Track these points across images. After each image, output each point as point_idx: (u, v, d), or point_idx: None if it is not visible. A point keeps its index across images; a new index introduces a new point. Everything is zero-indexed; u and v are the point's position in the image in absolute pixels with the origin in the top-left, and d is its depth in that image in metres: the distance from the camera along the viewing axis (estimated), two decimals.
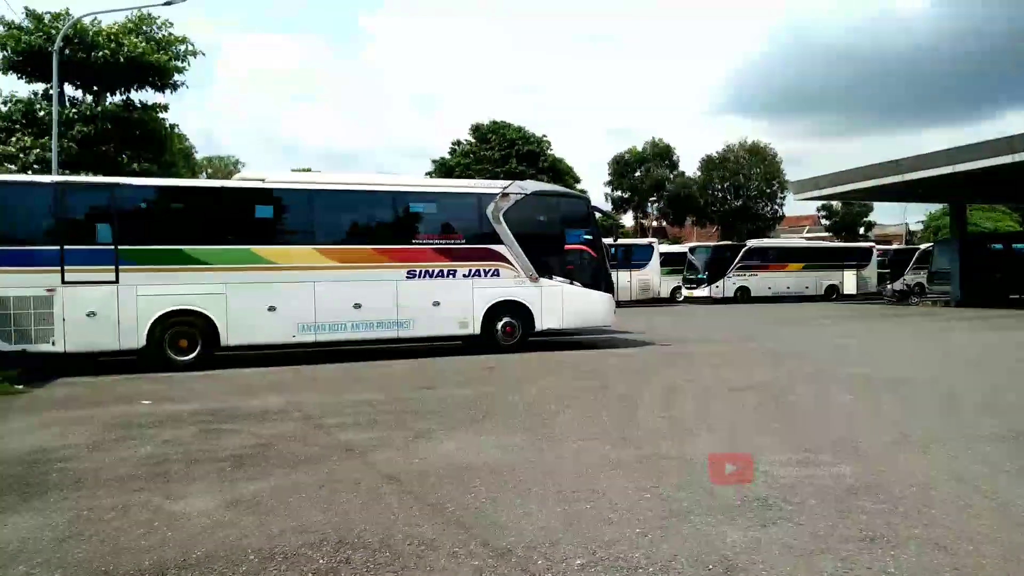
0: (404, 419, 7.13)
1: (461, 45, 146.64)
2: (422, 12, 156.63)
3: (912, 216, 64.90)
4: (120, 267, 10.88)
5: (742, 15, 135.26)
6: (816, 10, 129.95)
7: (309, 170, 39.77)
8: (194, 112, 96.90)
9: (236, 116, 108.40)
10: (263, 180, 12.23)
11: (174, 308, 11.18)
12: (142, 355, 11.16)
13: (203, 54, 21.97)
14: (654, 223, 60.79)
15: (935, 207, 51.82)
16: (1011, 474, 4.94)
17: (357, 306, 12.21)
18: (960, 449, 5.66)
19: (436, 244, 12.87)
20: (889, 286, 36.81)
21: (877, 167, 26.29)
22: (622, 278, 27.53)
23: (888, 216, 67.21)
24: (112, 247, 10.92)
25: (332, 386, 9.63)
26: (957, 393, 8.43)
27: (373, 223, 13.06)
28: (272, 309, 11.66)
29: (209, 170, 55.89)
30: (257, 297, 11.60)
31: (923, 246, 40.72)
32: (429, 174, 42.15)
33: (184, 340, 11.30)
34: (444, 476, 5.03)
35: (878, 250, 40.12)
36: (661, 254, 33.15)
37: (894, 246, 47.77)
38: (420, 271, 12.68)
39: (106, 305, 10.78)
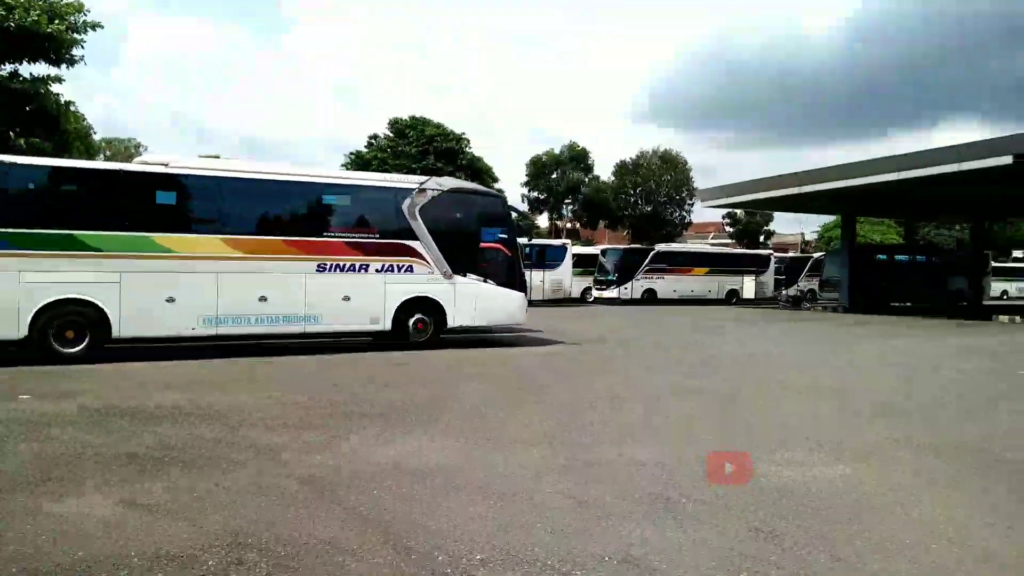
0: (316, 418, 6.93)
1: (384, 39, 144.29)
2: (346, 3, 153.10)
3: (808, 227, 68.87)
4: (0, 251, 10.09)
5: (662, 28, 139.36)
6: (731, 27, 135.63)
7: (218, 157, 38.13)
8: (98, 93, 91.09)
9: (143, 99, 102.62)
10: (166, 165, 11.61)
11: (61, 297, 10.46)
12: (23, 346, 10.39)
13: (102, 26, 20.52)
14: (568, 225, 61.77)
15: (829, 219, 55.05)
16: (906, 472, 5.30)
17: (263, 299, 11.80)
18: (870, 459, 6.01)
19: (348, 238, 12.61)
20: (784, 292, 38.93)
21: (778, 179, 27.72)
22: (535, 278, 27.85)
23: (787, 226, 70.96)
24: None
25: (234, 382, 9.26)
26: (863, 400, 8.96)
27: (283, 214, 12.64)
28: (171, 300, 11.11)
29: (108, 152, 52.68)
30: (155, 287, 11.02)
31: (816, 255, 43.26)
32: (345, 167, 41.24)
33: (72, 331, 10.59)
34: (363, 479, 4.90)
35: (776, 258, 42.28)
36: (574, 255, 33.73)
37: (790, 254, 50.43)
38: (331, 265, 12.38)
39: None
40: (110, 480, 4.76)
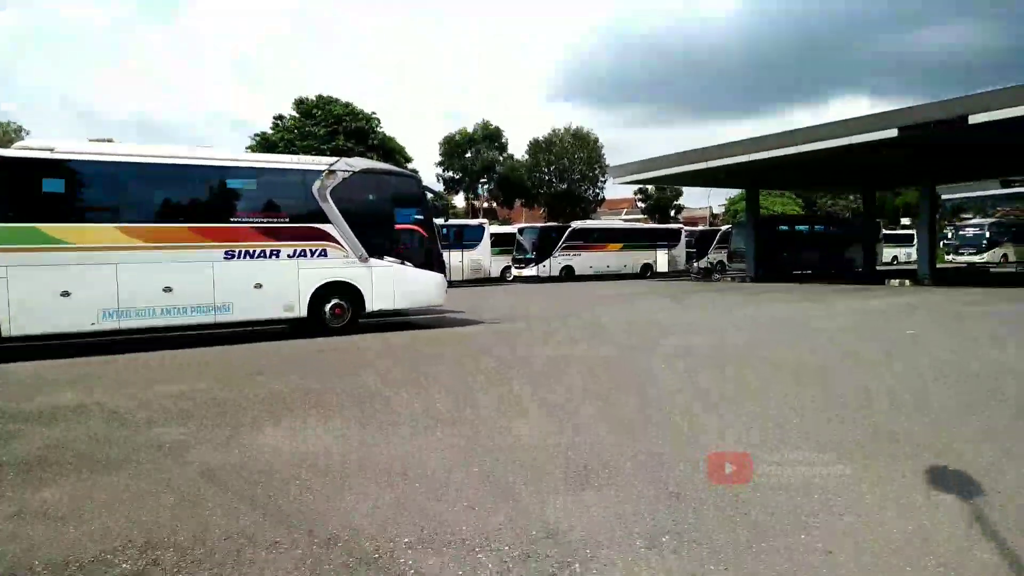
0: (224, 411, 6.70)
1: (286, 14, 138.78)
2: None
3: (715, 200, 71.40)
4: None
5: (572, 5, 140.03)
6: (635, 6, 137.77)
7: (111, 140, 35.91)
8: None
9: (21, 78, 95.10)
10: (52, 150, 10.84)
11: None
12: None
13: None
14: (485, 204, 61.77)
15: (735, 192, 57.26)
16: (795, 429, 5.61)
17: (168, 289, 11.28)
18: (756, 409, 6.32)
19: (257, 223, 12.17)
20: (695, 264, 40.35)
21: (685, 155, 28.55)
22: (454, 258, 27.81)
23: (696, 200, 73.47)
24: None
25: (140, 377, 8.82)
26: (773, 361, 9.40)
27: (186, 200, 12.07)
28: (66, 295, 10.46)
29: None
30: (47, 281, 10.34)
31: (724, 228, 44.95)
32: (250, 149, 39.67)
33: None
34: (268, 469, 4.81)
35: (686, 231, 43.69)
36: (491, 235, 33.81)
37: (700, 228, 52.21)
38: (240, 251, 11.94)
39: None
40: (3, 488, 4.47)
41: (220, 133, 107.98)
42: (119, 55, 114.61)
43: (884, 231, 48.19)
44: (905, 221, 63.70)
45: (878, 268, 37.94)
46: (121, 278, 10.87)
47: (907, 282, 26.91)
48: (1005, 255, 42.38)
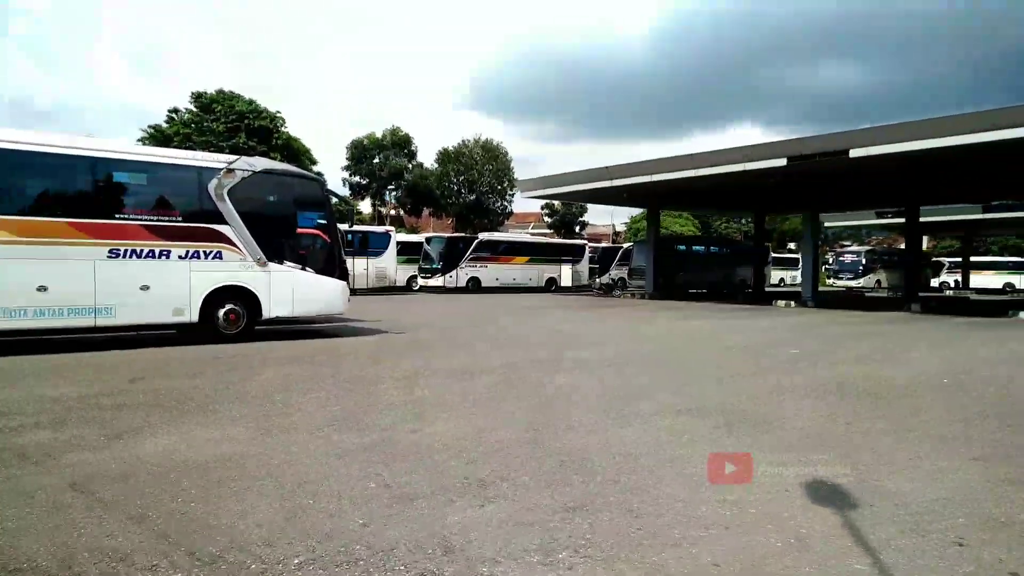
0: (101, 416, 6.24)
1: (186, 5, 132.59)
2: None
3: (619, 218, 73.62)
4: None
5: (486, 18, 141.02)
6: (548, 24, 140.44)
7: None
8: None
9: None
10: None
11: None
12: None
13: None
14: (392, 212, 61.03)
15: (637, 211, 59.18)
16: (694, 441, 5.79)
17: (42, 289, 10.44)
18: (651, 422, 6.48)
19: (146, 220, 11.47)
20: (598, 280, 41.41)
21: (591, 172, 29.23)
22: (358, 265, 27.30)
23: (600, 217, 75.63)
24: None
25: (7, 382, 8.09)
26: (652, 374, 9.69)
27: (66, 192, 11.23)
28: None
29: None
30: None
31: (625, 245, 46.33)
32: (142, 142, 37.52)
33: None
34: (147, 479, 4.50)
35: (590, 248, 44.78)
36: (398, 243, 33.47)
37: (603, 244, 53.65)
38: (125, 250, 11.21)
39: None
40: None
41: (108, 123, 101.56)
42: None
43: (773, 254, 51.15)
44: (791, 246, 67.88)
45: (767, 289, 40.15)
46: None
47: (792, 303, 28.59)
48: (879, 281, 45.82)
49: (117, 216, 11.23)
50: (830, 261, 52.72)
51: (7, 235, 10.22)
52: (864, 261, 46.87)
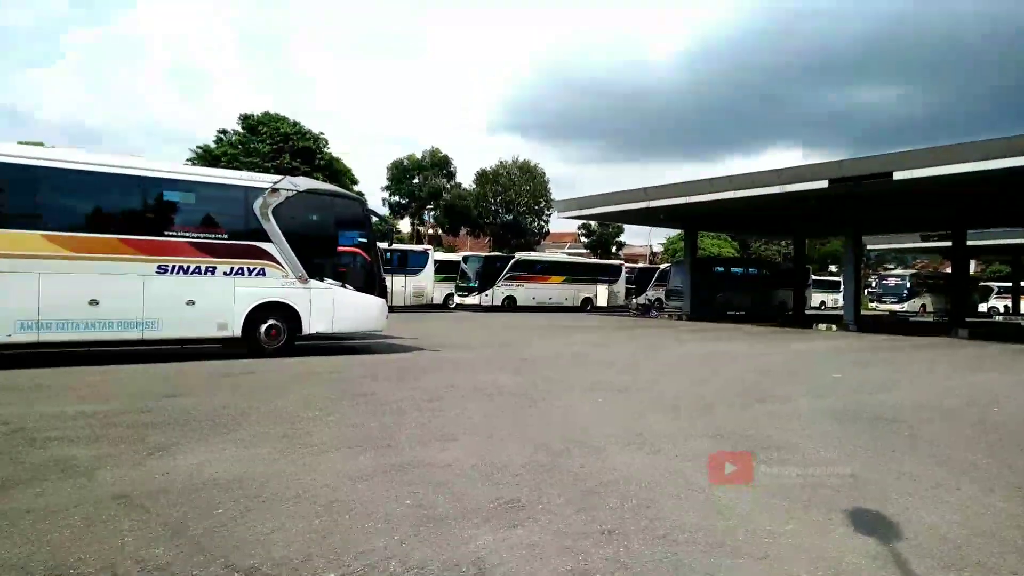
0: (142, 431, 6.43)
1: (237, 28, 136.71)
2: None
3: (655, 239, 73.17)
4: None
5: (518, 43, 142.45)
6: (582, 46, 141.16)
7: (42, 144, 34.48)
8: None
9: None
10: None
11: None
12: None
13: None
14: (430, 231, 61.66)
15: (674, 232, 58.78)
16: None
17: (94, 303, 10.82)
18: (678, 448, 6.43)
19: (193, 238, 11.83)
20: (634, 300, 41.16)
21: (628, 193, 29.22)
22: (397, 283, 27.62)
23: (636, 237, 75.22)
24: None
25: (55, 394, 8.39)
26: (680, 397, 9.59)
27: (118, 210, 11.66)
28: None
29: None
30: None
31: (663, 266, 46.04)
32: (191, 162, 38.69)
33: None
34: (185, 493, 4.63)
35: (627, 268, 44.57)
36: (436, 261, 33.76)
37: (640, 265, 53.34)
38: (173, 266, 11.57)
39: None
40: None
41: (156, 144, 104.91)
42: (53, 54, 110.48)
43: (813, 277, 50.25)
44: (833, 268, 66.57)
45: (807, 312, 39.40)
46: (43, 288, 10.38)
47: (833, 327, 28.00)
48: (923, 305, 44.64)
49: (166, 233, 11.61)
50: (873, 284, 51.57)
51: (62, 250, 10.64)
52: (909, 285, 45.76)
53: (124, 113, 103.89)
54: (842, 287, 38.34)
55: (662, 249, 70.85)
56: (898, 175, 19.62)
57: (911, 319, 39.06)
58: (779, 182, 22.98)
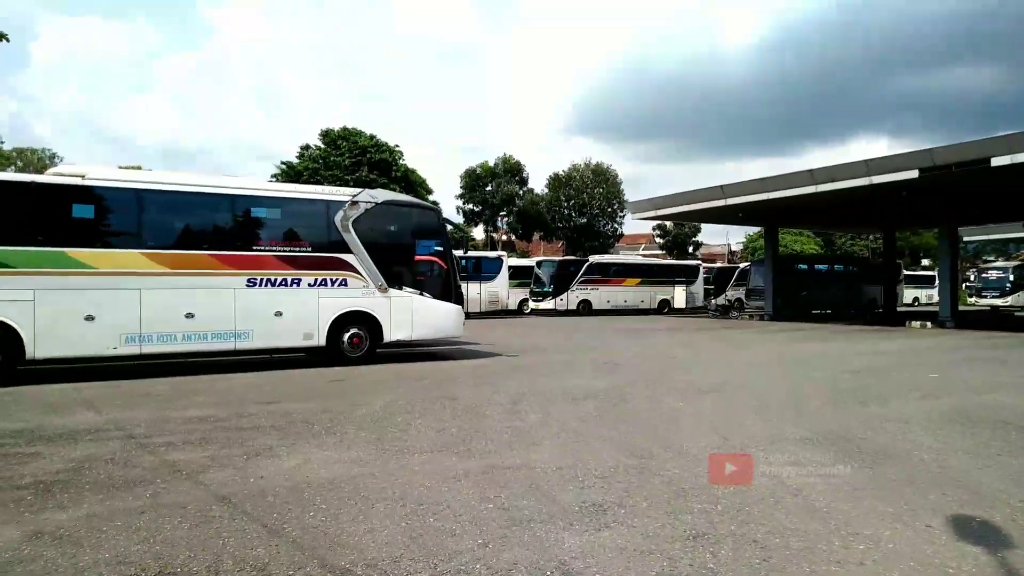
0: (241, 436, 6.74)
1: (313, 48, 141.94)
2: (271, 10, 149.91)
3: (734, 237, 71.28)
4: None
5: (587, 43, 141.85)
6: (650, 42, 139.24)
7: (140, 167, 36.74)
8: (2, 98, 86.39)
9: (54, 106, 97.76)
10: (83, 176, 11.10)
11: None
12: None
13: (7, 39, 19.47)
14: (503, 237, 62.07)
15: (753, 229, 57.15)
16: (814, 472, 5.52)
17: (190, 315, 11.41)
18: (772, 452, 6.24)
19: (279, 251, 12.33)
20: (714, 301, 40.15)
21: (703, 192, 28.62)
22: (472, 290, 27.90)
23: (714, 236, 73.49)
24: None
25: (159, 402, 8.91)
26: (768, 399, 9.30)
27: (210, 227, 12.27)
28: (90, 318, 10.60)
29: (19, 163, 50.06)
30: (72, 305, 10.50)
31: (742, 265, 44.77)
32: (275, 178, 40.35)
33: None
34: (282, 495, 4.82)
35: (704, 268, 43.57)
36: (510, 267, 33.93)
37: (718, 264, 52.07)
38: (261, 279, 12.08)
39: None
40: (19, 510, 4.50)
41: (243, 161, 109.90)
42: (148, 82, 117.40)
43: (905, 272, 47.76)
44: (926, 262, 63.14)
45: (899, 309, 37.53)
46: (145, 303, 11.03)
47: (928, 324, 26.56)
48: None
49: (254, 248, 12.14)
50: (972, 278, 48.58)
51: (161, 267, 11.28)
52: (1012, 278, 42.83)
53: (213, 133, 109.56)
54: (937, 282, 36.33)
55: (741, 248, 68.99)
56: (996, 161, 18.49)
57: (1016, 314, 36.60)
58: (865, 174, 22.01)
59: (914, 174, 20.52)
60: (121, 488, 4.99)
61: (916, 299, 50.41)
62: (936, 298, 35.96)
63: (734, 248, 72.67)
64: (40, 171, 28.21)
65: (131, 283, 10.99)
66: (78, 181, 10.98)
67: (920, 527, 4.24)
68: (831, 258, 50.48)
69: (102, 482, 5.14)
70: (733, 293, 40.60)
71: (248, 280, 11.94)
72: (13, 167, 45.83)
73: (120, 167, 18.69)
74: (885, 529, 4.19)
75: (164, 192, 11.78)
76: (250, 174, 58.23)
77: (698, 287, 40.88)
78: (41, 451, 6.12)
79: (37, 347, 10.28)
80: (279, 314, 12.15)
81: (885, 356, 15.08)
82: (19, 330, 10.13)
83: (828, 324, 27.08)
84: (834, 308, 34.32)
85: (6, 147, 37.59)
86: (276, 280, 12.20)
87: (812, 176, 23.90)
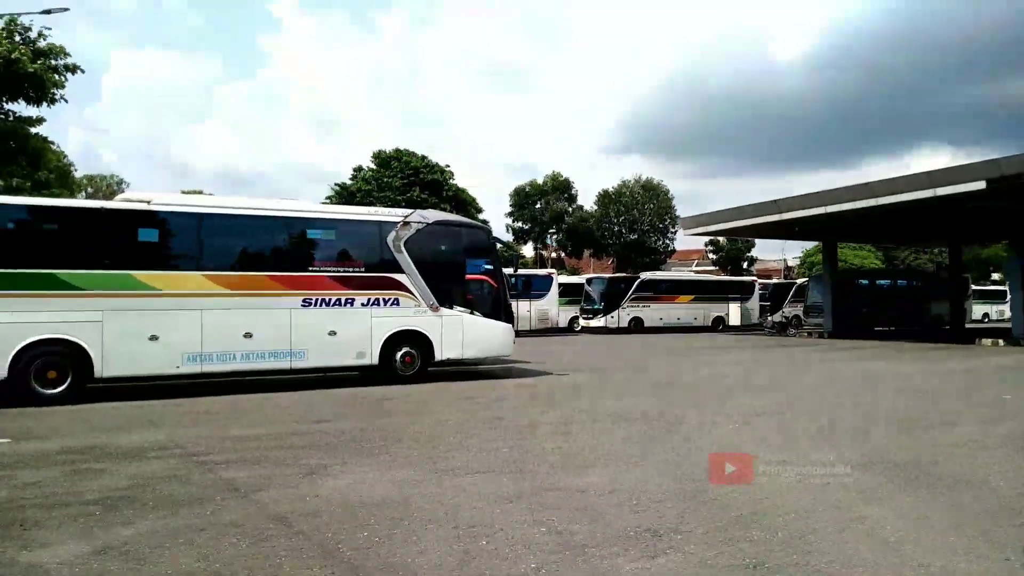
0: (296, 455, 6.85)
1: (364, 71, 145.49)
2: (324, 36, 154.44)
3: (790, 252, 69.59)
4: None
5: (635, 60, 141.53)
6: (703, 58, 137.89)
7: (201, 192, 38.14)
8: (75, 128, 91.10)
9: (122, 135, 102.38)
10: (148, 202, 11.57)
11: (43, 337, 10.29)
12: (4, 388, 10.19)
13: (82, 71, 20.60)
14: (553, 254, 62.04)
15: (810, 244, 55.74)
16: (881, 499, 5.30)
17: (248, 335, 11.70)
18: (835, 477, 6.01)
19: (333, 272, 12.57)
20: (770, 318, 39.18)
21: (758, 206, 28.06)
22: (522, 308, 27.86)
23: (769, 252, 71.85)
24: None
25: (218, 420, 9.14)
26: (829, 421, 8.99)
27: (266, 249, 12.60)
28: (154, 338, 10.98)
29: (89, 189, 52.55)
30: (138, 325, 10.90)
31: (799, 281, 43.64)
32: (329, 199, 41.33)
33: (53, 371, 10.41)
34: (336, 514, 4.87)
35: (760, 284, 42.62)
36: (560, 285, 33.85)
37: (774, 281, 50.87)
38: (316, 299, 12.32)
39: None
40: (87, 525, 4.65)
41: (296, 183, 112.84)
42: (207, 109, 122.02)
43: (973, 286, 45.76)
44: (996, 276, 60.40)
45: (967, 326, 35.96)
46: (205, 323, 11.36)
47: (1000, 342, 25.34)
48: None
49: (309, 269, 12.41)
50: None
51: (220, 288, 11.61)
52: None
53: (269, 157, 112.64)
54: (1008, 297, 34.72)
55: (798, 263, 67.31)
56: None
57: None
58: (928, 186, 21.22)
59: (981, 185, 19.68)
60: (182, 505, 5.12)
61: (986, 315, 48.22)
62: (1008, 314, 34.29)
63: (790, 263, 70.99)
64: (108, 197, 29.58)
65: (193, 304, 11.34)
66: (144, 207, 11.44)
67: (998, 559, 4.02)
68: (894, 272, 48.82)
69: (164, 499, 5.28)
70: (790, 310, 39.54)
71: (303, 300, 12.19)
72: (84, 193, 48.09)
73: (183, 192, 19.44)
74: (959, 561, 3.98)
75: (224, 216, 12.18)
76: (305, 197, 59.76)
77: (753, 304, 39.99)
78: (108, 467, 6.33)
79: (105, 366, 10.68)
80: (333, 333, 12.36)
81: (953, 376, 14.45)
82: (88, 350, 10.55)
83: (891, 342, 26.11)
84: (897, 325, 33.07)
85: (77, 175, 39.45)
86: (330, 300, 12.43)
87: (871, 189, 23.19)
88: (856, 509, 4.99)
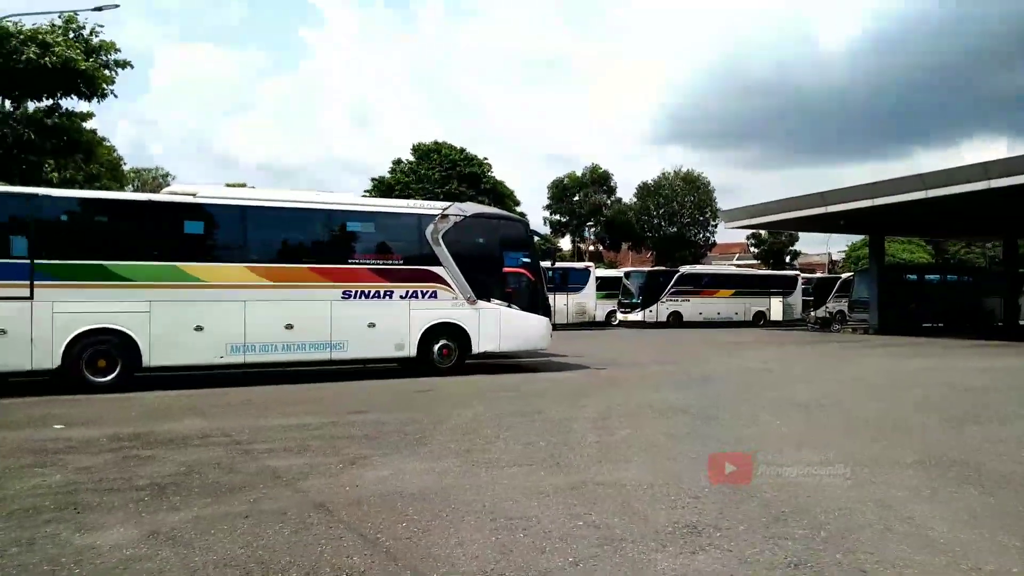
0: (336, 444, 6.96)
1: (404, 63, 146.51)
2: (365, 29, 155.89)
3: (834, 246, 67.92)
4: (35, 282, 10.30)
5: (676, 48, 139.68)
6: (745, 46, 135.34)
7: (244, 185, 38.87)
8: (124, 121, 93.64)
9: (168, 128, 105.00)
10: (194, 195, 11.83)
11: (93, 326, 10.63)
12: (57, 376, 10.57)
13: (131, 66, 21.15)
14: (591, 247, 61.72)
15: (856, 238, 54.39)
16: (929, 497, 5.16)
17: (289, 326, 11.90)
18: (879, 474, 5.87)
19: (373, 264, 12.70)
20: (813, 313, 38.37)
21: (802, 199, 27.48)
22: (559, 301, 27.84)
23: (812, 245, 70.13)
24: (27, 261, 10.34)
25: (261, 410, 9.33)
26: (874, 417, 8.78)
27: (308, 241, 12.80)
28: (199, 328, 11.25)
29: (137, 182, 53.93)
30: (183, 316, 11.17)
31: (844, 276, 42.57)
32: (368, 192, 41.76)
33: (103, 360, 10.75)
34: (376, 504, 4.93)
35: (803, 278, 41.74)
36: (597, 278, 33.64)
37: (817, 275, 49.74)
38: (356, 291, 12.47)
39: (19, 322, 10.16)
40: (137, 510, 4.80)
41: (337, 176, 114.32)
42: (250, 102, 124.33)
43: None
44: None
45: (1021, 323, 34.74)
46: (248, 315, 11.59)
47: None
48: None
49: (349, 261, 12.56)
50: None
51: (263, 280, 11.83)
52: None
53: (311, 150, 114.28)
54: None
55: (843, 257, 65.76)
56: None
57: None
58: (984, 178, 20.53)
59: None
60: (226, 492, 5.24)
61: None
62: None
63: (835, 257, 69.39)
64: (155, 190, 30.39)
65: (237, 295, 11.57)
66: (190, 199, 11.71)
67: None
68: (943, 267, 47.37)
69: (209, 486, 5.41)
70: (834, 305, 38.64)
71: (344, 292, 12.35)
72: (131, 186, 49.38)
73: (227, 184, 19.82)
74: (1012, 564, 3.85)
75: (266, 208, 12.39)
76: (345, 189, 60.47)
77: (796, 298, 39.21)
78: (156, 454, 6.51)
79: (152, 355, 10.98)
80: (372, 325, 12.49)
81: (1005, 373, 13.97)
82: (137, 339, 10.86)
83: (940, 339, 25.37)
84: (947, 321, 32.11)
85: (125, 168, 40.50)
86: (370, 292, 12.57)
87: (923, 181, 22.54)
88: (902, 507, 4.87)
